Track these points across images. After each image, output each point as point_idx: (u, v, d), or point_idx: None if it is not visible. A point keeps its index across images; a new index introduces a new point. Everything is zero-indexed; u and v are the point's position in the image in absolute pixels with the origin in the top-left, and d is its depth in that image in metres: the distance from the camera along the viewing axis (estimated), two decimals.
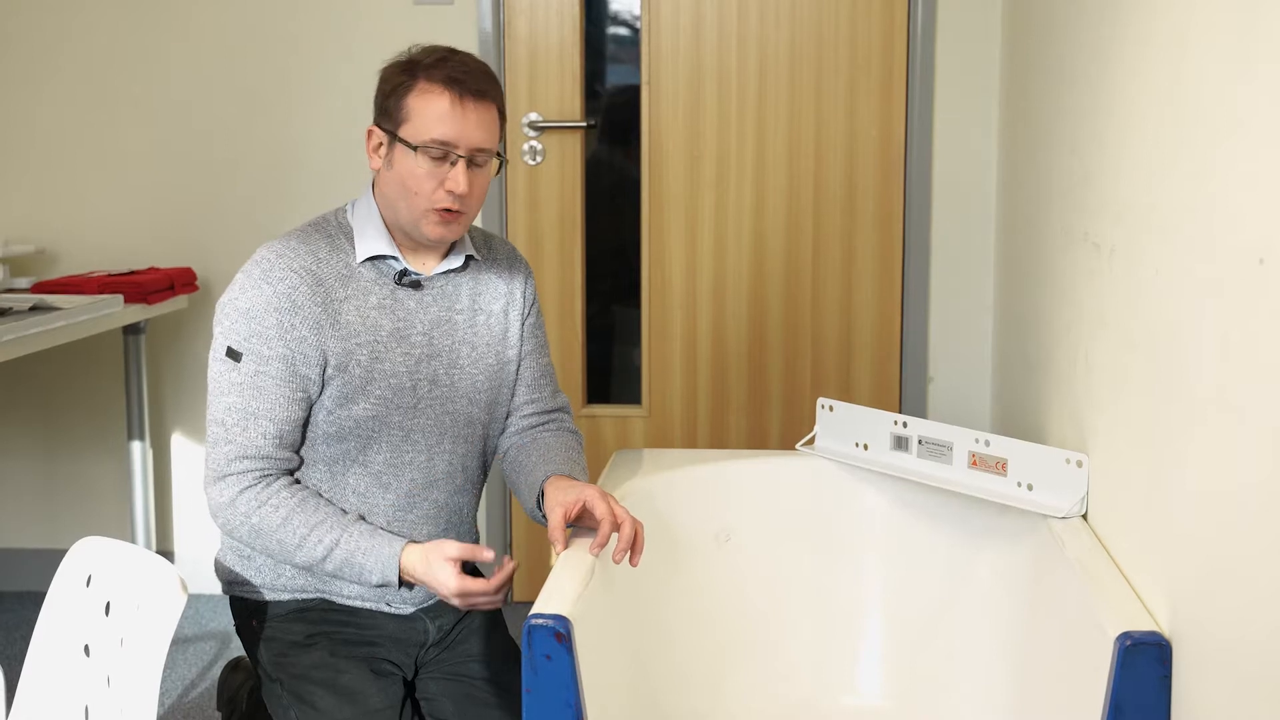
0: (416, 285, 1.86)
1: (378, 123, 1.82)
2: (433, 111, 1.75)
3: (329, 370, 1.78)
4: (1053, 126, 2.28)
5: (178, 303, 3.13)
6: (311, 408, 1.80)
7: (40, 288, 2.94)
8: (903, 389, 3.19)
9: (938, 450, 2.03)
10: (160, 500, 3.33)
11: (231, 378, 1.76)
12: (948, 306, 3.14)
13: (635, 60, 3.17)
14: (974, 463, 1.98)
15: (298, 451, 1.82)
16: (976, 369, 3.12)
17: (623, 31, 3.22)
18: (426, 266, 1.88)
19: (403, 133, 1.77)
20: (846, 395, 3.19)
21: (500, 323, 1.95)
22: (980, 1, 3.04)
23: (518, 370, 2.00)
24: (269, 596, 1.86)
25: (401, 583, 1.75)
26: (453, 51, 1.81)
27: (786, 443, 3.21)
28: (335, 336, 1.78)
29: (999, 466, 1.95)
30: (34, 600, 1.65)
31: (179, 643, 2.99)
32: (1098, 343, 1.84)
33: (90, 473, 3.37)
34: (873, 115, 3.13)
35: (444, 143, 1.75)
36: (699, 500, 2.11)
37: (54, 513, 3.39)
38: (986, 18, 3.04)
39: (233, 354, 1.76)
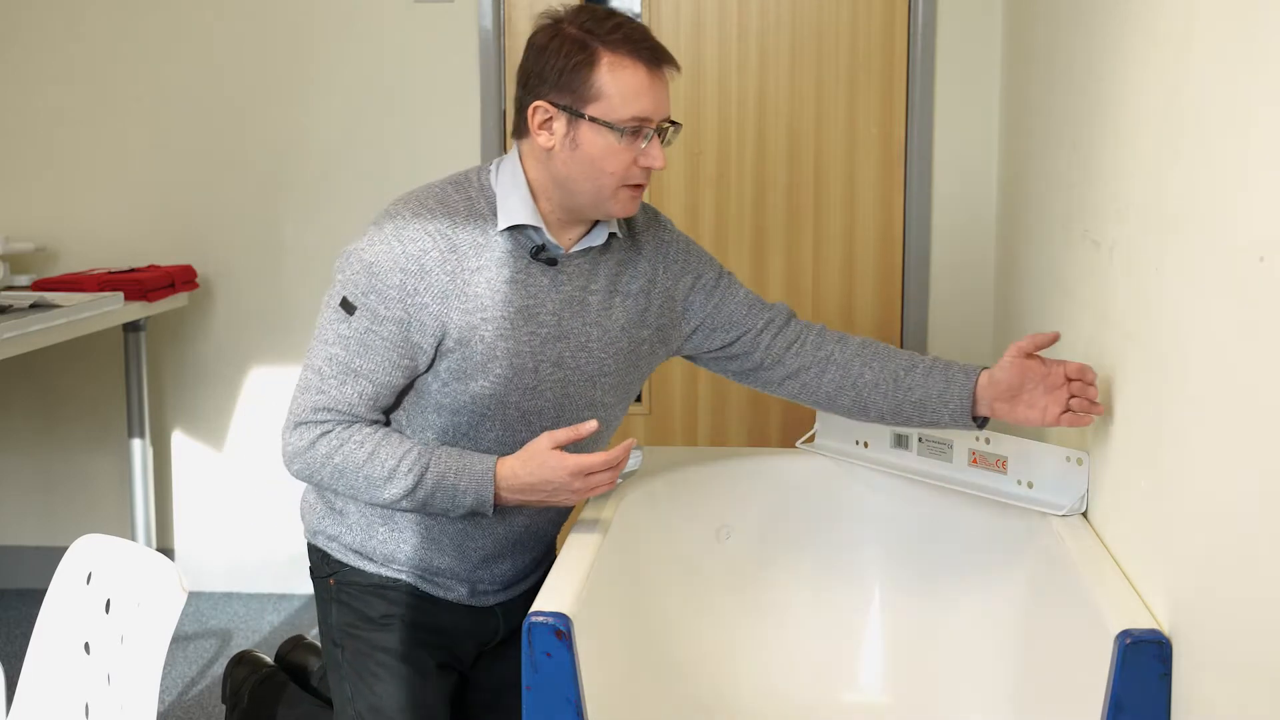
0: (552, 262, 1.76)
1: (550, 99, 1.69)
2: (631, 87, 1.67)
3: (447, 343, 1.71)
4: (1053, 124, 2.28)
5: (178, 300, 3.13)
6: (415, 379, 1.74)
7: (40, 285, 2.94)
8: None
9: (938, 448, 2.03)
10: (160, 498, 3.33)
11: (340, 329, 1.70)
12: (948, 305, 3.14)
13: None
14: (974, 460, 1.98)
15: (387, 414, 1.76)
16: None
17: None
18: (566, 243, 1.79)
19: (594, 111, 1.67)
20: None
21: (639, 303, 1.85)
22: (980, 0, 3.04)
23: (716, 319, 1.90)
24: (355, 562, 1.83)
25: (493, 509, 1.69)
26: (613, 12, 1.73)
27: (787, 440, 3.21)
28: (460, 309, 1.70)
29: (999, 464, 1.95)
30: (34, 597, 1.65)
31: (179, 640, 2.99)
32: (1098, 340, 1.84)
33: (90, 470, 3.37)
34: (873, 113, 3.13)
35: (644, 119, 1.69)
36: (699, 498, 2.11)
37: (54, 510, 3.39)
38: (986, 16, 3.04)
39: (347, 305, 1.70)
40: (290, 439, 1.73)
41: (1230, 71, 1.29)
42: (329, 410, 1.70)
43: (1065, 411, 1.74)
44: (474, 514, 1.72)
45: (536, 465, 1.67)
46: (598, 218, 1.76)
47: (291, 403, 1.74)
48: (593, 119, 1.67)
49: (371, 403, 1.72)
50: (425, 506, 1.72)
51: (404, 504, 1.71)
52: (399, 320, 1.69)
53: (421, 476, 1.69)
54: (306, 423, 1.71)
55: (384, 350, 1.70)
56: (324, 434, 1.70)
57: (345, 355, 1.70)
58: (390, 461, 1.69)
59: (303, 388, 1.73)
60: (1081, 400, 1.74)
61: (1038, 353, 1.78)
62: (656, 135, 1.70)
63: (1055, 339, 1.80)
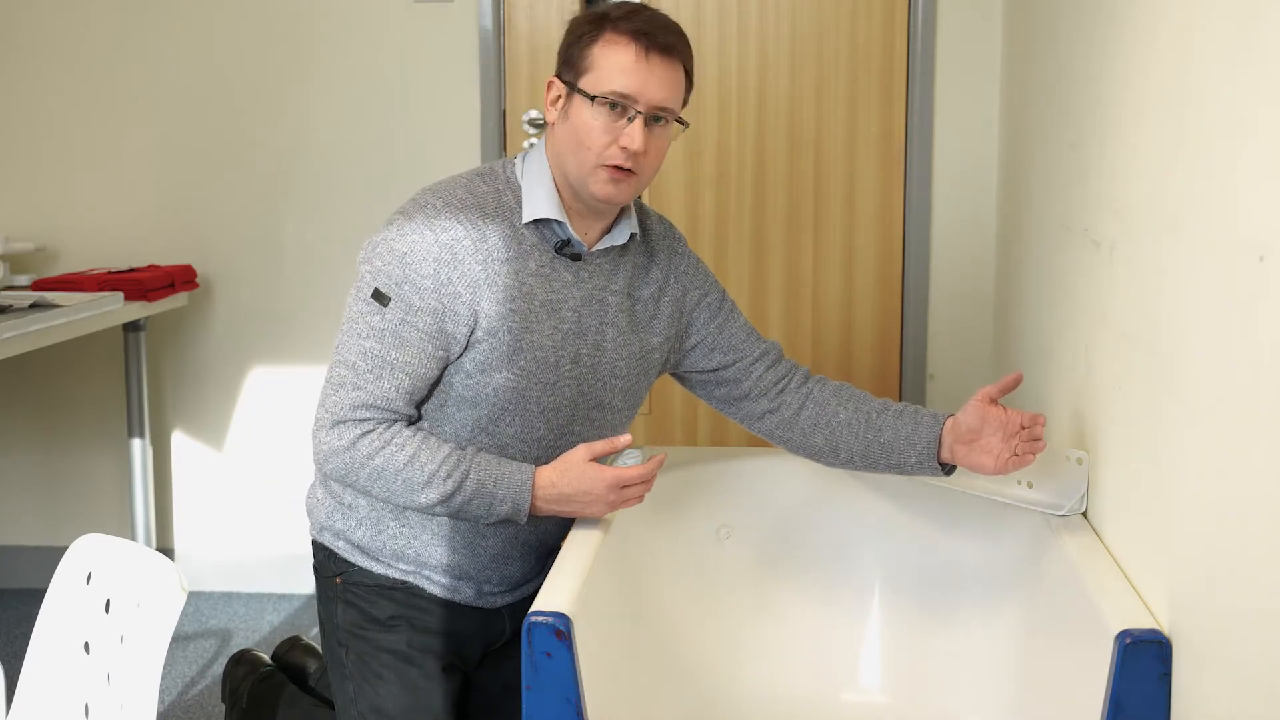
0: (575, 258, 1.78)
1: (559, 74, 1.75)
2: (616, 62, 1.68)
3: (477, 333, 1.71)
4: (1053, 123, 2.28)
5: (178, 300, 3.13)
6: (446, 369, 1.73)
7: (40, 285, 2.94)
8: (903, 386, 3.19)
9: None
10: (160, 498, 3.33)
11: (373, 321, 1.68)
12: (948, 304, 3.14)
13: None
14: None
15: (419, 408, 1.75)
16: (976, 367, 3.12)
17: None
18: (589, 238, 1.80)
19: (582, 83, 1.70)
20: None
21: (649, 309, 1.87)
22: (980, 0, 3.04)
23: (717, 340, 1.93)
24: (362, 561, 1.82)
25: (526, 517, 1.70)
26: (645, 7, 1.75)
27: None
28: (491, 299, 1.70)
29: None
30: (34, 597, 1.65)
31: (179, 640, 2.99)
32: (1098, 340, 1.84)
33: (90, 470, 3.37)
34: (873, 112, 3.13)
35: (623, 95, 1.68)
36: (699, 497, 2.11)
37: (54, 510, 3.39)
38: (986, 16, 3.04)
39: (380, 297, 1.68)
40: (327, 438, 1.69)
41: (1230, 71, 1.29)
42: (368, 407, 1.68)
43: (1012, 456, 1.77)
44: (505, 522, 1.73)
45: (575, 476, 1.69)
46: (590, 202, 1.75)
47: (324, 400, 1.71)
48: (580, 90, 1.70)
49: (409, 396, 1.70)
50: (460, 512, 1.71)
51: (439, 509, 1.70)
52: (434, 310, 1.68)
53: (461, 482, 1.68)
54: (345, 421, 1.68)
55: (419, 342, 1.68)
56: (365, 433, 1.68)
57: (380, 348, 1.68)
58: (430, 465, 1.67)
59: (336, 384, 1.69)
60: (1025, 443, 1.77)
61: (1001, 399, 1.81)
62: (641, 119, 1.69)
63: (1019, 380, 1.83)
